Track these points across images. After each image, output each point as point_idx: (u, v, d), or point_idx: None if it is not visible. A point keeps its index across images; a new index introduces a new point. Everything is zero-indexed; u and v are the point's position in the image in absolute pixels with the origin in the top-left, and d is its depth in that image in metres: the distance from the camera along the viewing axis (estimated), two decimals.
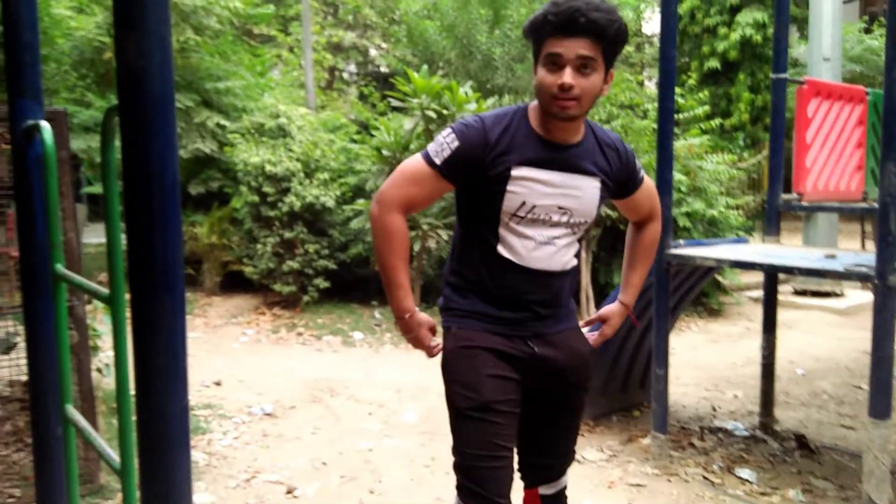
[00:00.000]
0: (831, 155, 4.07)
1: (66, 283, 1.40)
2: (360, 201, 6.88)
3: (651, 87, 15.30)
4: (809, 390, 4.87)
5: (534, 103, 1.80)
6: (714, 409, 4.44)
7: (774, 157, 4.00)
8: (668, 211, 3.36)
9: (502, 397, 1.80)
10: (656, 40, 16.05)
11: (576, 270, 1.91)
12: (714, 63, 13.04)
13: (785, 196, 3.94)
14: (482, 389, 1.78)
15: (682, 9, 13.27)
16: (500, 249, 1.80)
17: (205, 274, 7.87)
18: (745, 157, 10.37)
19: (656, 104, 7.26)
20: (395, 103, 6.41)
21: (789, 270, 3.03)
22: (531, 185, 1.74)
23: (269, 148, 7.00)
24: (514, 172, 1.72)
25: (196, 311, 7.22)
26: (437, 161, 1.73)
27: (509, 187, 1.73)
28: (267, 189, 6.80)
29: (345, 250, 7.36)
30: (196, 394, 4.68)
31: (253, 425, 4.13)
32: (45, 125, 1.45)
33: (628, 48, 8.64)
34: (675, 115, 7.34)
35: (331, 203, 6.91)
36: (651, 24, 15.39)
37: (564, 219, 1.80)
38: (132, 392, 1.03)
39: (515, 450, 1.98)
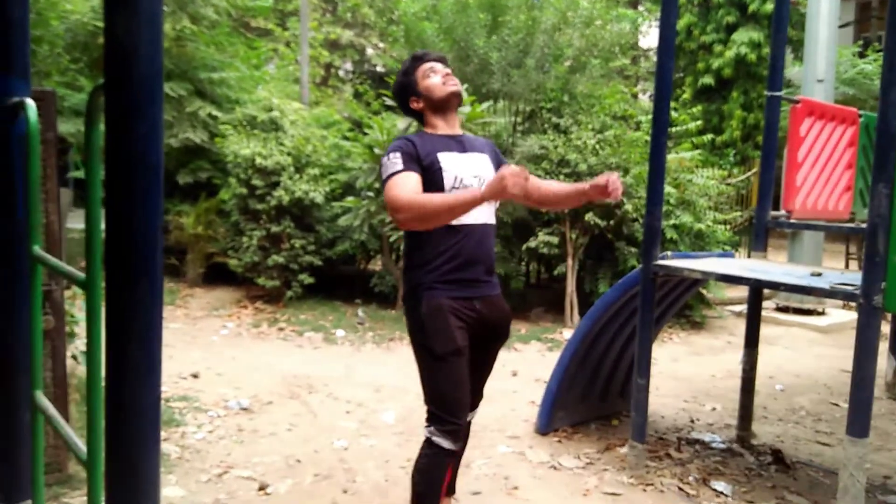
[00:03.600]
0: (822, 174, 4.09)
1: (42, 265, 1.36)
2: (350, 198, 6.85)
3: (645, 99, 15.37)
4: (787, 406, 4.89)
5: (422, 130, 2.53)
6: (692, 421, 4.45)
7: (765, 173, 4.01)
8: (658, 222, 3.36)
9: (464, 343, 2.36)
10: (652, 54, 16.13)
11: (496, 228, 2.55)
12: (708, 80, 13.13)
13: (773, 213, 3.95)
14: (455, 338, 2.33)
15: (680, 25, 13.35)
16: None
17: (188, 265, 7.81)
18: (734, 173, 10.43)
19: (649, 116, 7.30)
20: (389, 102, 6.39)
21: (776, 286, 3.03)
22: (454, 164, 2.38)
23: (260, 141, 6.95)
24: (440, 159, 2.36)
25: (177, 302, 7.16)
26: (400, 167, 2.29)
27: (443, 167, 2.35)
28: (256, 182, 6.75)
29: (331, 247, 7.32)
30: (172, 385, 4.62)
31: (228, 419, 4.08)
32: (31, 103, 1.42)
33: (624, 60, 8.65)
34: (668, 129, 7.38)
35: (320, 199, 6.87)
36: (648, 38, 15.47)
37: (480, 183, 2.41)
38: (104, 381, 1.00)
39: None
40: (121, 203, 0.90)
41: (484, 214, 2.43)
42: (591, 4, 6.46)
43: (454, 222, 2.33)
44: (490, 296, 2.48)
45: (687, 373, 5.65)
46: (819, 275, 3.23)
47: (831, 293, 2.80)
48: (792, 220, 3.88)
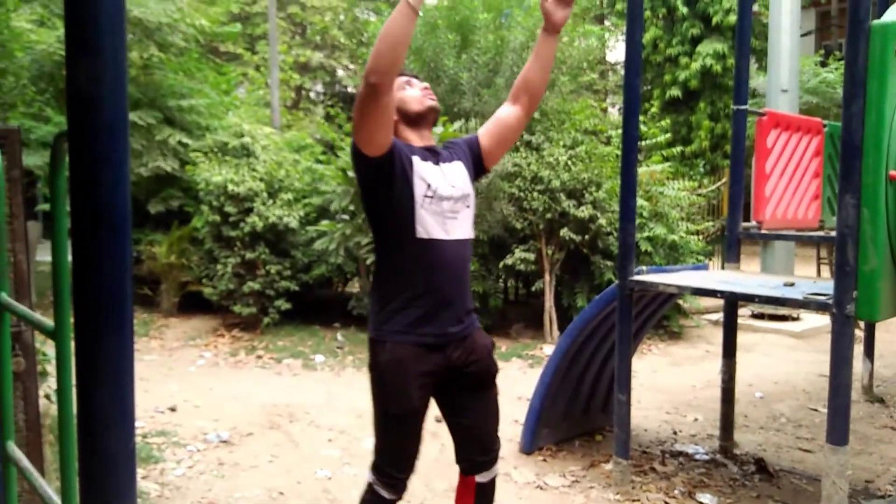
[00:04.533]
0: (790, 184, 4.16)
1: (9, 312, 1.33)
2: (325, 222, 6.81)
3: (615, 113, 15.56)
4: (768, 413, 4.93)
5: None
6: (675, 433, 4.46)
7: (735, 185, 4.07)
8: (631, 238, 3.38)
9: (423, 403, 2.22)
10: (620, 68, 16.36)
11: (472, 246, 2.37)
12: (676, 91, 13.34)
13: (744, 224, 4.01)
14: (411, 398, 2.17)
15: (646, 39, 13.56)
16: (419, 231, 2.16)
17: (162, 294, 7.70)
18: (704, 183, 10.57)
19: (619, 131, 7.39)
20: None
21: (750, 298, 3.07)
22: (428, 172, 2.20)
23: (232, 167, 6.90)
24: (414, 162, 2.18)
25: (152, 333, 7.05)
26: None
27: (415, 171, 2.17)
28: (229, 209, 6.69)
29: (308, 271, 7.27)
30: (149, 420, 4.54)
31: (208, 453, 4.01)
32: None
33: (592, 76, 8.77)
34: (638, 143, 7.47)
35: (294, 223, 6.83)
36: (615, 52, 15.68)
37: (457, 193, 2.25)
38: (76, 432, 0.98)
39: (454, 442, 2.41)
40: (87, 255, 0.87)
41: (461, 228, 2.24)
42: None
43: (424, 235, 2.15)
44: (465, 336, 2.27)
45: (667, 384, 5.68)
46: (792, 284, 3.28)
47: (805, 303, 2.84)
48: (763, 231, 3.93)
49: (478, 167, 2.43)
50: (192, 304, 7.63)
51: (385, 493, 2.26)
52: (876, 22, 2.55)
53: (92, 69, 0.86)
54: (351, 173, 6.45)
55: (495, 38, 6.55)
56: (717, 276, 3.62)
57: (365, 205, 2.32)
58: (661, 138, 7.46)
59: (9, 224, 2.44)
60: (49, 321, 1.13)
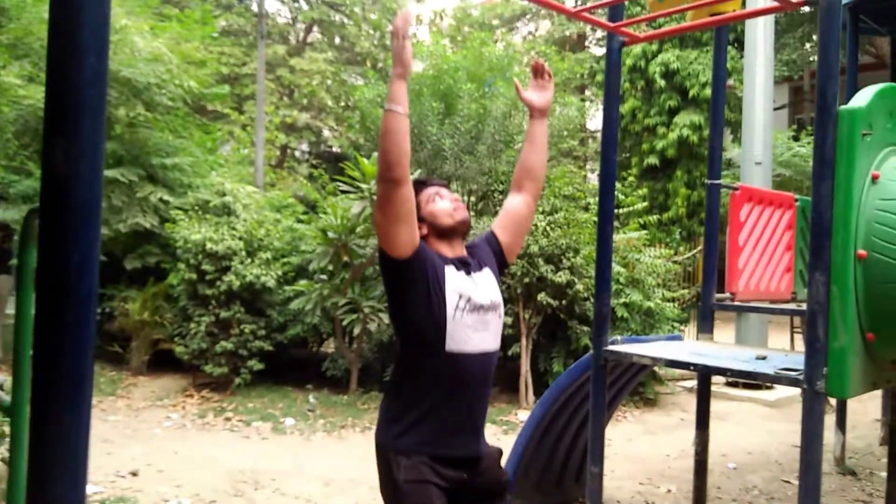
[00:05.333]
0: (762, 257, 4.23)
1: None
2: (302, 282, 6.79)
3: (593, 179, 15.86)
4: (741, 485, 4.88)
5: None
6: None
7: (708, 257, 4.14)
8: (607, 308, 3.41)
9: None
10: (599, 135, 16.77)
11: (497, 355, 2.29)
12: (653, 160, 13.68)
13: (718, 295, 4.05)
14: None
15: (625, 109, 14.00)
16: (449, 345, 2.10)
17: (133, 352, 7.56)
18: (681, 250, 10.73)
19: (598, 199, 7.51)
20: (343, 187, 6.45)
21: (722, 372, 3.08)
22: (460, 282, 2.16)
23: (212, 225, 6.89)
24: (446, 272, 2.15)
25: (119, 392, 6.89)
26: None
27: (447, 281, 2.13)
28: (206, 267, 6.65)
29: (283, 331, 7.19)
30: (109, 485, 4.39)
31: None
32: None
33: (572, 142, 8.98)
34: (616, 210, 7.60)
35: (271, 283, 6.79)
36: (595, 120, 16.09)
37: (488, 302, 2.21)
38: None
39: None
40: (50, 333, 0.87)
41: (490, 339, 2.19)
42: None
43: (454, 349, 2.09)
44: (479, 457, 2.21)
45: (641, 453, 5.62)
46: (764, 358, 3.29)
47: (776, 378, 2.85)
48: (736, 303, 3.98)
49: (501, 265, 2.41)
50: (162, 363, 7.49)
51: None
52: (843, 107, 2.65)
53: (69, 152, 0.87)
54: (332, 234, 6.48)
55: (478, 106, 6.72)
56: (690, 348, 3.64)
57: (392, 311, 2.25)
58: (639, 206, 7.60)
59: None
60: (6, 397, 1.11)
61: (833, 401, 5.47)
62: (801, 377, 2.74)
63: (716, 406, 7.08)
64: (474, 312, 2.15)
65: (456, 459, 2.13)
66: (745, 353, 3.54)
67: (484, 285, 2.22)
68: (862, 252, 2.67)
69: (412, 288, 2.11)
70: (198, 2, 11.29)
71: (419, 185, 2.29)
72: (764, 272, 4.26)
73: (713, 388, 4.44)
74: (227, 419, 6.18)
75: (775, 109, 13.30)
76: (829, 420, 5.46)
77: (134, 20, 7.46)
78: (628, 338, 3.68)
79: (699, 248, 10.54)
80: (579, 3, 15.09)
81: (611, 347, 3.40)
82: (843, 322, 2.66)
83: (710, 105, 4.12)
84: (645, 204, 7.75)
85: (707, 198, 4.16)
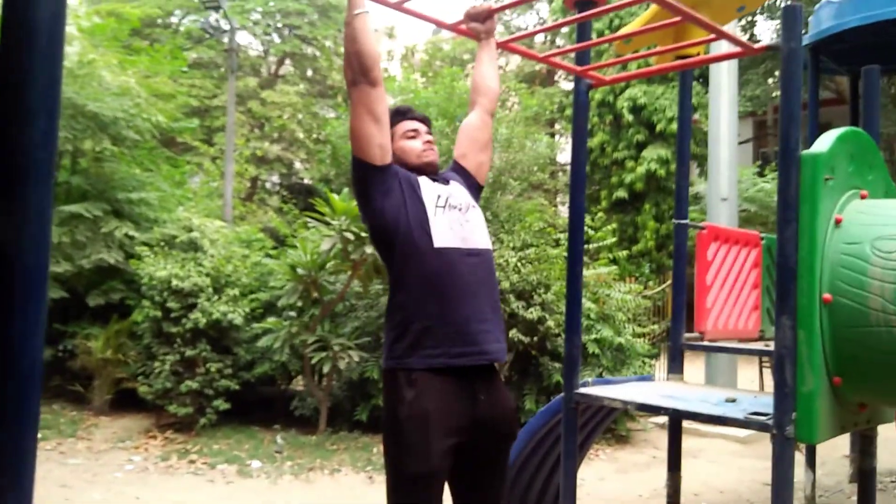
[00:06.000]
0: (730, 295, 4.25)
1: None
2: (271, 319, 6.67)
3: (564, 212, 15.99)
4: None
5: None
6: None
7: (677, 297, 4.15)
8: (577, 349, 3.38)
9: (444, 463, 2.03)
10: (569, 168, 16.93)
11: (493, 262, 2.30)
12: (622, 193, 13.83)
13: (687, 335, 4.05)
14: (431, 457, 1.99)
15: (593, 143, 14.17)
16: (437, 241, 2.11)
17: (94, 391, 7.35)
18: (650, 284, 10.80)
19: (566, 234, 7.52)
20: (312, 224, 6.39)
21: (692, 416, 3.06)
22: (434, 186, 2.24)
23: (177, 262, 6.77)
24: (420, 180, 2.23)
25: (79, 433, 6.66)
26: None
27: (422, 186, 2.20)
28: (171, 304, 6.51)
29: (250, 369, 7.05)
30: None
31: None
32: None
33: (542, 175, 9.04)
34: (586, 244, 7.64)
35: (239, 320, 6.67)
36: (564, 153, 16.27)
37: (464, 204, 2.26)
38: None
39: None
40: None
41: (477, 235, 2.22)
42: (510, 129, 6.77)
43: (442, 245, 2.10)
44: (492, 385, 2.17)
45: (614, 493, 5.57)
46: (734, 400, 3.28)
47: (746, 423, 2.83)
48: (705, 343, 3.98)
49: (472, 186, 2.45)
50: (125, 403, 7.28)
51: None
52: (805, 152, 2.68)
53: (13, 217, 0.83)
54: (301, 270, 6.39)
55: (449, 143, 6.73)
56: (660, 390, 3.61)
57: (375, 227, 2.22)
58: (609, 241, 7.65)
59: None
60: None
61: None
62: (770, 422, 2.73)
63: (688, 443, 7.05)
64: (454, 210, 2.19)
65: (475, 359, 2.07)
66: (714, 395, 3.53)
67: (457, 190, 2.29)
68: (827, 296, 2.68)
69: (389, 195, 2.13)
70: (169, 35, 11.27)
71: (398, 116, 2.34)
72: (732, 311, 4.28)
73: (685, 423, 4.43)
74: (192, 462, 6.00)
75: (740, 143, 13.58)
76: (799, 458, 5.47)
77: (102, 53, 7.39)
78: (599, 379, 3.65)
79: (668, 282, 10.63)
80: (547, 43, 15.37)
81: (582, 390, 3.36)
82: (811, 366, 2.65)
83: (677, 144, 4.16)
84: (614, 239, 7.80)
85: (675, 237, 4.19)
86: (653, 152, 13.49)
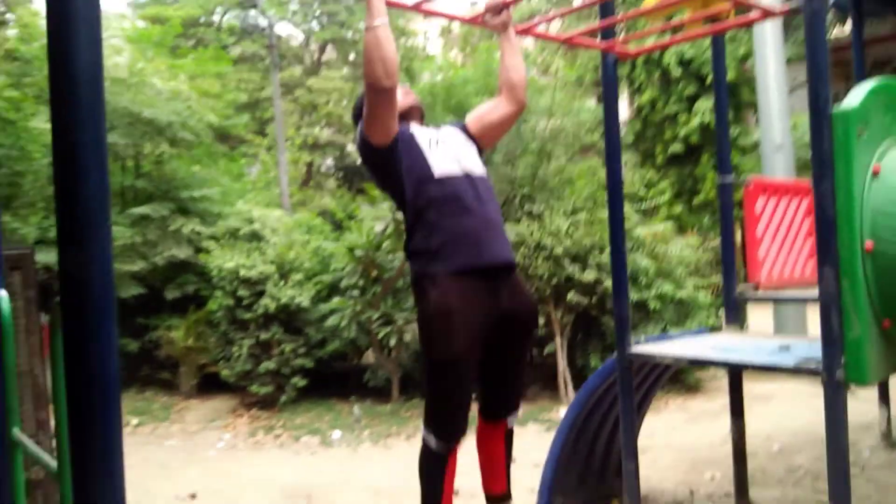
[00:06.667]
0: (783, 246, 4.24)
1: (21, 449, 1.45)
2: (336, 299, 6.96)
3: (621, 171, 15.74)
4: (786, 466, 4.87)
5: None
6: (692, 493, 4.44)
7: (726, 252, 4.17)
8: (625, 311, 3.47)
9: (469, 348, 2.27)
10: (622, 127, 16.65)
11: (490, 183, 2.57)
12: (677, 147, 13.53)
13: (740, 287, 4.08)
14: (458, 344, 2.24)
15: (644, 100, 13.90)
16: (437, 172, 2.40)
17: (181, 377, 7.83)
18: (711, 235, 10.64)
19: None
20: (365, 207, 6.61)
21: (743, 367, 3.13)
22: (430, 132, 2.55)
23: (243, 252, 7.11)
24: (412, 126, 2.53)
25: (172, 417, 7.14)
26: None
27: (415, 134, 2.49)
28: (242, 293, 6.87)
29: (322, 347, 7.38)
30: None
31: None
32: (3, 295, 1.54)
33: (594, 137, 8.97)
34: (640, 203, 7.62)
35: (306, 303, 6.98)
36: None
37: (456, 142, 2.54)
38: None
39: (480, 390, 2.52)
40: (81, 417, 1.00)
41: (472, 163, 2.49)
42: (550, 98, 6.77)
43: (442, 173, 2.38)
44: (511, 274, 2.45)
45: (685, 442, 5.64)
46: (787, 348, 3.33)
47: (796, 370, 2.90)
48: (759, 294, 4.00)
49: (471, 139, 2.68)
50: (210, 385, 7.75)
51: (433, 445, 2.33)
52: (836, 109, 2.69)
53: (80, 259, 1.00)
54: (358, 251, 6.64)
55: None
56: (714, 342, 3.68)
57: (378, 181, 2.60)
58: (662, 199, 7.60)
59: (26, 340, 2.59)
60: (53, 462, 1.25)
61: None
62: (819, 368, 2.78)
63: (761, 387, 7.07)
64: (445, 145, 2.49)
65: (486, 269, 2.32)
66: (769, 344, 3.57)
67: (449, 133, 2.58)
68: (869, 243, 2.70)
69: (395, 161, 2.42)
70: (212, 32, 11.61)
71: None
72: (787, 260, 4.27)
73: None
74: (277, 436, 6.39)
75: (797, 88, 13.07)
76: (872, 395, 5.42)
77: (150, 59, 7.72)
78: (652, 336, 3.74)
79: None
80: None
81: (634, 349, 3.47)
82: (856, 313, 2.69)
83: (715, 105, 4.15)
84: (667, 196, 7.74)
85: (719, 195, 4.19)
86: (705, 104, 13.10)
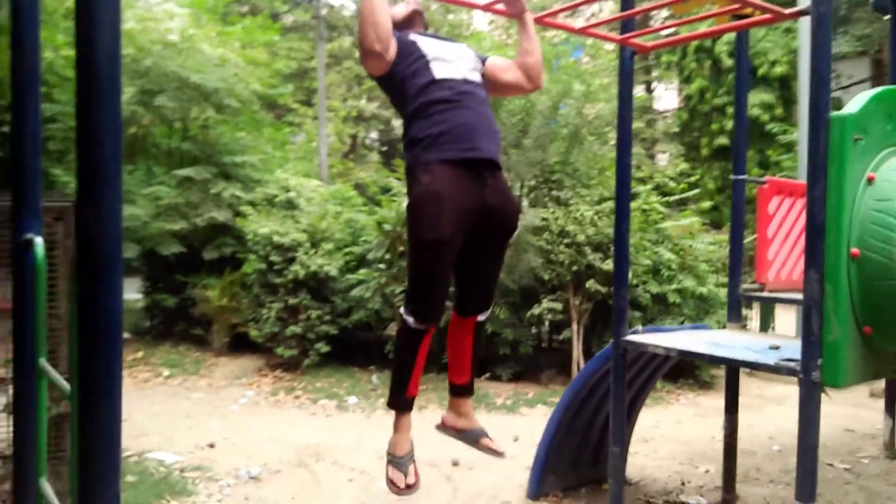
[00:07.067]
0: (794, 248, 4.32)
1: (45, 377, 1.71)
2: (363, 271, 7.21)
3: (664, 160, 15.64)
4: (782, 467, 4.97)
5: None
6: (683, 484, 4.58)
7: (735, 250, 4.26)
8: (624, 301, 3.62)
9: (452, 233, 2.35)
10: (668, 117, 16.49)
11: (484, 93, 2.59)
12: (723, 140, 13.41)
13: (745, 286, 4.18)
14: (442, 227, 2.32)
15: (693, 89, 13.77)
16: (437, 74, 2.46)
17: (214, 334, 8.21)
18: (745, 233, 10.57)
19: (647, 186, 7.55)
20: (395, 183, 6.81)
21: (728, 362, 3.26)
22: (431, 42, 2.57)
23: (278, 219, 7.41)
24: (415, 36, 2.58)
25: (202, 371, 7.52)
26: None
27: (419, 43, 2.54)
28: (274, 258, 7.18)
29: (347, 316, 7.65)
30: (189, 455, 4.93)
31: (237, 489, 4.36)
32: (38, 241, 1.78)
33: (639, 124, 9.00)
34: (666, 198, 7.66)
35: (334, 272, 7.25)
36: (661, 101, 15.85)
37: (457, 53, 2.57)
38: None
39: (456, 285, 2.62)
40: (88, 351, 1.22)
41: (464, 69, 2.52)
42: (586, 86, 6.83)
43: (441, 76, 2.45)
44: (498, 177, 2.51)
45: (689, 435, 5.76)
46: (777, 347, 3.44)
47: (776, 369, 3.02)
48: (763, 294, 4.09)
49: (480, 74, 2.67)
50: (240, 345, 8.11)
51: (410, 320, 2.43)
52: (834, 114, 2.77)
53: (95, 219, 1.22)
54: (387, 226, 6.86)
55: (524, 101, 6.89)
56: (708, 338, 3.80)
57: (387, 96, 2.67)
58: (691, 193, 7.63)
59: (66, 286, 2.87)
60: (67, 385, 1.49)
61: (881, 388, 5.46)
62: (797, 368, 2.90)
63: (773, 390, 7.12)
64: (448, 52, 2.54)
65: (475, 161, 2.41)
66: (761, 343, 3.68)
67: (452, 46, 2.61)
68: (855, 251, 2.79)
69: (400, 74, 2.49)
70: (266, 2, 11.88)
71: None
72: (797, 262, 4.34)
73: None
74: (297, 397, 6.71)
75: (854, 84, 12.77)
76: (879, 405, 5.44)
77: (203, 25, 8.00)
78: (649, 327, 3.88)
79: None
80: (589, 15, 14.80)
81: (628, 338, 3.62)
82: (837, 317, 2.80)
83: (735, 104, 4.21)
84: (697, 191, 7.76)
85: (733, 193, 4.28)
86: (755, 97, 12.95)
